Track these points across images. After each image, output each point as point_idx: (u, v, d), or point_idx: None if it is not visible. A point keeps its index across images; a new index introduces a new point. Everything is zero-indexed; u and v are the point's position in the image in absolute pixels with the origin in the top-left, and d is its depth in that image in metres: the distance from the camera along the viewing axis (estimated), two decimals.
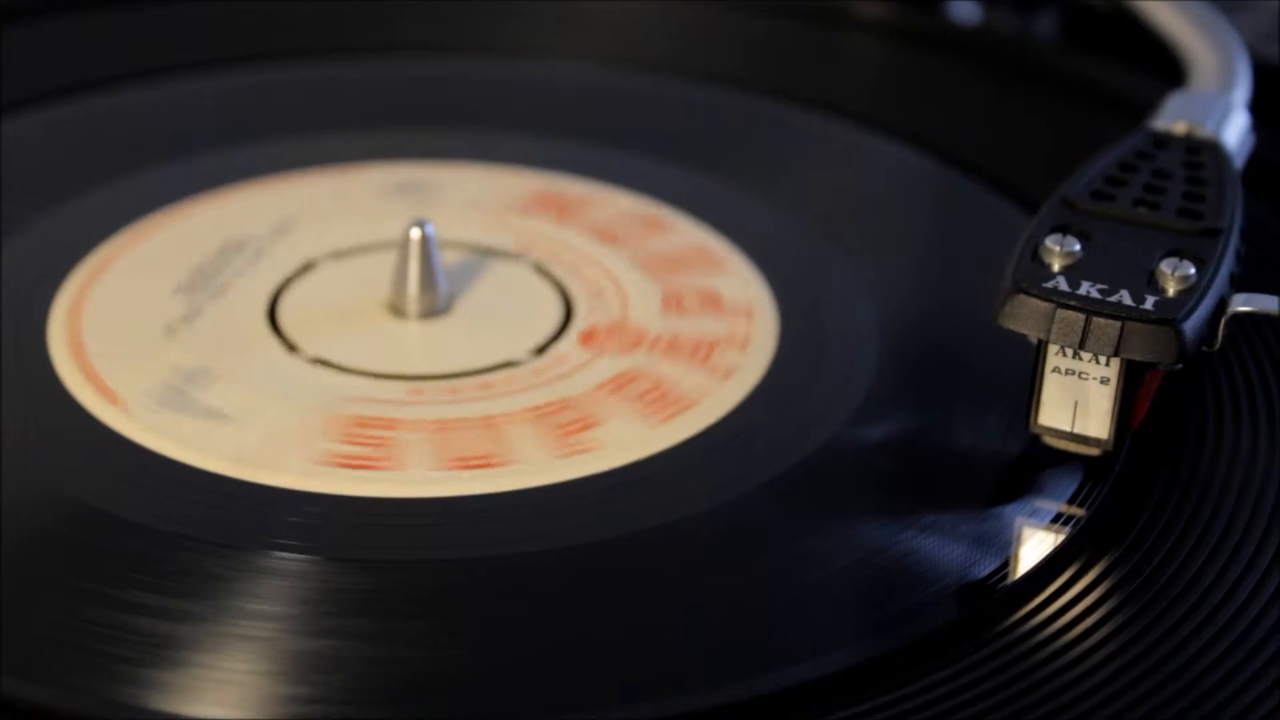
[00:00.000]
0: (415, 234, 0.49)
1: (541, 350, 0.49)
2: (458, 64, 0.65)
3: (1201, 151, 0.48)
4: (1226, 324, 0.43)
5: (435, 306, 0.50)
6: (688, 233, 0.54)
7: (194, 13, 0.68)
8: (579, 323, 0.50)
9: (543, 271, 0.52)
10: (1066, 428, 0.43)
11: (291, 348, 0.49)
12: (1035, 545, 0.42)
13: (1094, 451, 0.44)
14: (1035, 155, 0.59)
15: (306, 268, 0.52)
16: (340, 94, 0.64)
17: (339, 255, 0.53)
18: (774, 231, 0.55)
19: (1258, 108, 0.53)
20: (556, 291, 0.51)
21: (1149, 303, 0.42)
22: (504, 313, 0.50)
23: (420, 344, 0.49)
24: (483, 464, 0.44)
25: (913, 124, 0.61)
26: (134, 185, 0.56)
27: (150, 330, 0.49)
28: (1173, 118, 0.50)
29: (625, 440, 0.45)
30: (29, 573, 0.40)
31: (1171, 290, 0.42)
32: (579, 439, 0.45)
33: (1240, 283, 0.45)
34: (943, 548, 0.41)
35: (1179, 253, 0.44)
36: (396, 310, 0.50)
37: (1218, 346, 0.43)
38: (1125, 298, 0.42)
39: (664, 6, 0.70)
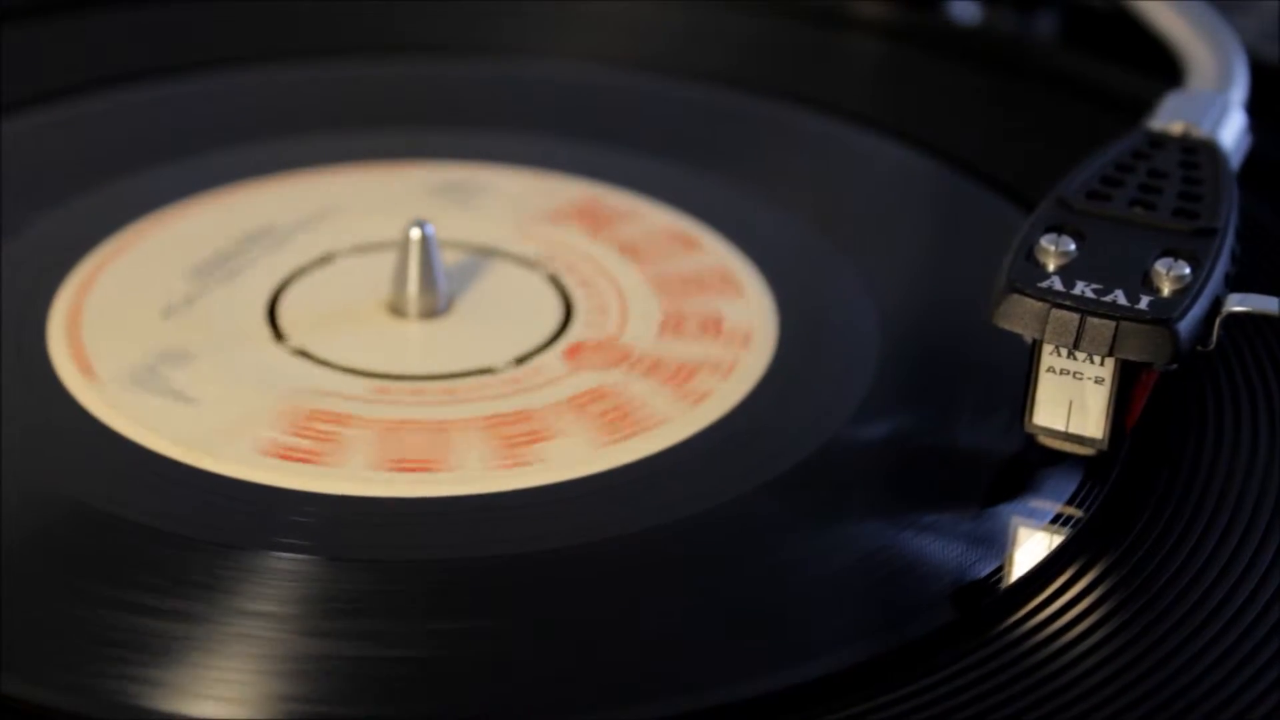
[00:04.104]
0: (415, 234, 0.49)
1: (522, 360, 0.48)
2: (513, 65, 0.66)
3: (1198, 152, 0.48)
4: (1221, 324, 0.43)
5: (435, 307, 0.50)
6: (716, 254, 0.54)
7: (233, 12, 0.69)
8: (571, 335, 0.50)
9: (554, 281, 0.52)
10: (1061, 428, 0.43)
11: (279, 337, 0.49)
12: (1034, 545, 0.42)
13: (1089, 451, 0.44)
14: (1034, 155, 0.59)
15: (324, 260, 0.52)
16: (394, 91, 0.64)
17: (361, 250, 0.53)
18: (773, 231, 0.55)
19: (1256, 108, 0.53)
20: (560, 301, 0.51)
21: (1144, 303, 0.42)
22: (502, 318, 0.50)
23: (408, 344, 0.49)
24: (420, 468, 0.44)
25: (912, 124, 0.61)
26: (152, 179, 0.57)
27: (149, 310, 0.50)
28: (1170, 118, 0.50)
29: (569, 458, 0.44)
30: (29, 572, 0.40)
31: (1166, 290, 0.42)
32: (523, 452, 0.45)
33: (1237, 283, 0.45)
34: (942, 548, 0.42)
35: (1174, 253, 0.44)
36: (396, 310, 0.50)
37: (1213, 346, 0.43)
38: (1120, 298, 0.42)
39: (718, 13, 0.70)
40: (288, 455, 0.44)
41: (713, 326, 0.50)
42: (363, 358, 0.48)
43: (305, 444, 0.45)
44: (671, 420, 0.46)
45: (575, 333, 0.50)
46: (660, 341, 0.49)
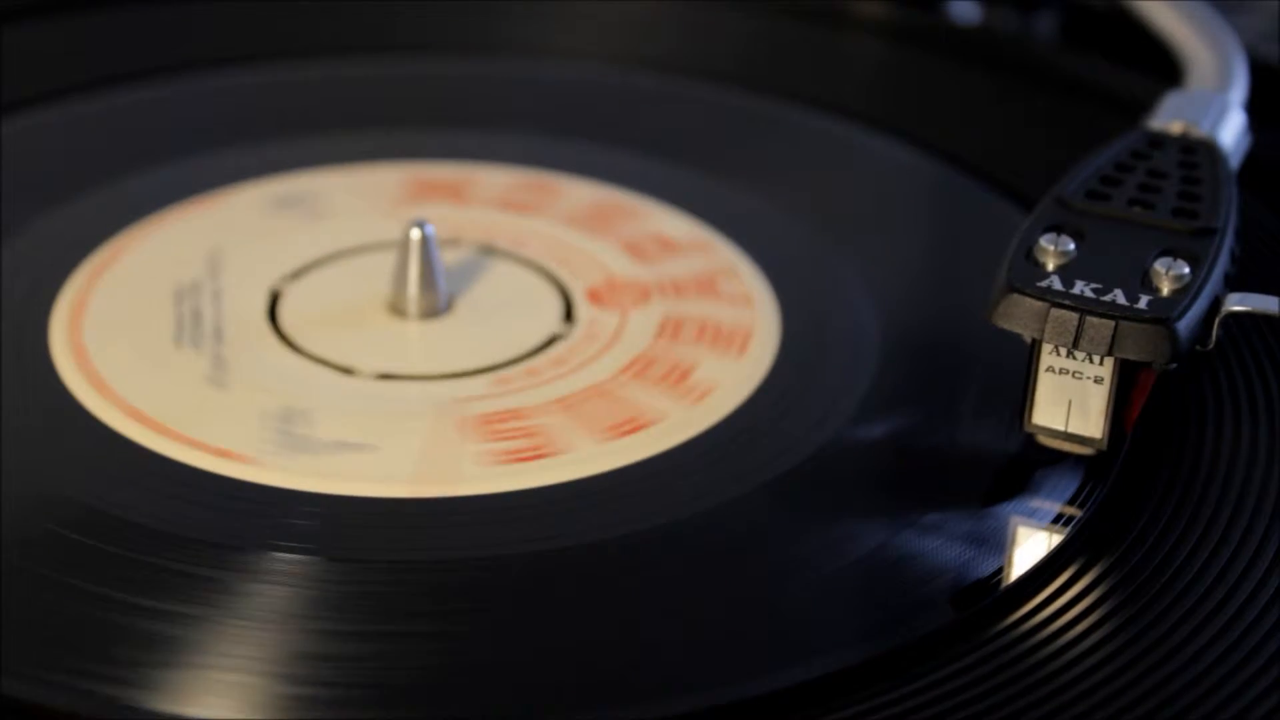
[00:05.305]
0: (415, 234, 0.49)
1: (568, 317, 0.50)
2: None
3: (1197, 151, 0.48)
4: (1221, 324, 0.43)
5: (435, 306, 0.50)
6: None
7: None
8: (580, 298, 0.50)
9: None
10: (1061, 427, 0.43)
11: (347, 370, 0.48)
12: (1034, 545, 0.42)
13: (1088, 451, 0.44)
14: (1034, 155, 0.59)
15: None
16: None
17: (295, 275, 0.52)
18: (774, 231, 0.55)
19: (1255, 108, 0.53)
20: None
21: (1143, 302, 0.42)
22: (503, 316, 0.50)
23: (449, 342, 0.49)
24: (635, 428, 0.45)
25: (913, 124, 0.61)
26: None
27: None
28: (1169, 117, 0.50)
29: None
30: (31, 573, 0.40)
31: (1165, 290, 0.42)
32: (689, 386, 0.47)
33: (1237, 282, 0.45)
34: (942, 548, 0.42)
35: (1173, 252, 0.44)
36: (396, 310, 0.50)
37: (1212, 346, 0.43)
38: (1119, 297, 0.42)
39: (667, 6, 0.70)
40: (520, 457, 0.44)
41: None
42: (440, 362, 0.48)
43: (520, 443, 0.45)
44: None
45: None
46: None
